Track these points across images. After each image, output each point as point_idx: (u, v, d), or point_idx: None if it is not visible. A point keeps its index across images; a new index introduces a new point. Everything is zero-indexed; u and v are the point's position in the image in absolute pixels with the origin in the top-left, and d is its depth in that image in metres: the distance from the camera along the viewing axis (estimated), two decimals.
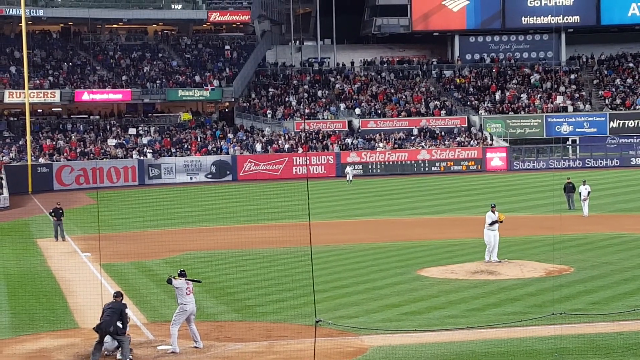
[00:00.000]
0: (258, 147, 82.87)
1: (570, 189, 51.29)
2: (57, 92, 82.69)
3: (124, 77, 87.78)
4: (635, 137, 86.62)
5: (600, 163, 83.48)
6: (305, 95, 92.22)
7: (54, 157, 77.89)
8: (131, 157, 79.01)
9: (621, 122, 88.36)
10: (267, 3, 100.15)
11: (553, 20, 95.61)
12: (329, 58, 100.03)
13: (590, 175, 64.00)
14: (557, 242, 35.17)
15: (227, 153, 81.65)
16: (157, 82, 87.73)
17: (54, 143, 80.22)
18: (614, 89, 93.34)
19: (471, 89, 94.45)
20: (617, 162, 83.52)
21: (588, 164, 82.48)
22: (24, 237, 46.05)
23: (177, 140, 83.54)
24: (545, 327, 22.69)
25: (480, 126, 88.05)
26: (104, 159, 78.38)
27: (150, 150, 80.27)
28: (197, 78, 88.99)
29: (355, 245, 40.03)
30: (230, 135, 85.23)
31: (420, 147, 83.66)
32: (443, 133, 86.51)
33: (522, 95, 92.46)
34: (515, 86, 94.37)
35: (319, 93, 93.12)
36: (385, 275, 32.06)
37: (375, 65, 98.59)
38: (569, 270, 31.77)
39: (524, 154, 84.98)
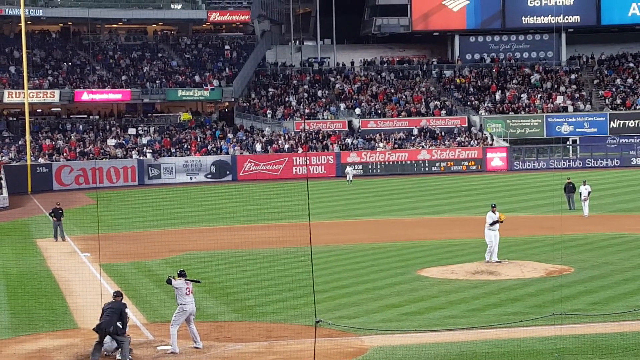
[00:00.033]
0: (258, 147, 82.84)
1: (570, 189, 51.25)
2: (57, 92, 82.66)
3: (123, 77, 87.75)
4: (635, 137, 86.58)
5: (601, 163, 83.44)
6: (305, 95, 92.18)
7: (54, 157, 77.86)
8: (131, 157, 78.98)
9: (621, 122, 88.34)
10: (267, 3, 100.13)
11: (553, 20, 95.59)
12: (329, 58, 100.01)
13: (591, 176, 63.97)
14: (557, 242, 35.12)
15: (227, 153, 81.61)
16: (157, 82, 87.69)
17: (54, 143, 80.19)
18: (614, 89, 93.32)
19: (471, 89, 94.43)
20: (617, 162, 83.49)
21: (588, 164, 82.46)
22: (24, 237, 46.00)
23: (176, 140, 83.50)
24: (546, 327, 22.66)
25: (481, 126, 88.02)
26: (104, 159, 78.33)
27: (150, 150, 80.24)
28: (197, 78, 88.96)
29: (355, 245, 39.98)
30: (230, 135, 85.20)
31: (421, 147, 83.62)
32: (443, 133, 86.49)
33: (522, 95, 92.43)
34: (515, 86, 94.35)
35: (319, 93, 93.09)
36: (385, 275, 32.02)
37: (375, 65, 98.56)
38: (570, 271, 31.73)
39: (524, 154, 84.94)
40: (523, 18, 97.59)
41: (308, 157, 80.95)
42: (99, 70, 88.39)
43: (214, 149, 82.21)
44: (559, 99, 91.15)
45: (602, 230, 42.44)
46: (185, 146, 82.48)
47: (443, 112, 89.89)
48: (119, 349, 21.60)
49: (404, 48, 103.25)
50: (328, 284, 30.02)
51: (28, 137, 74.79)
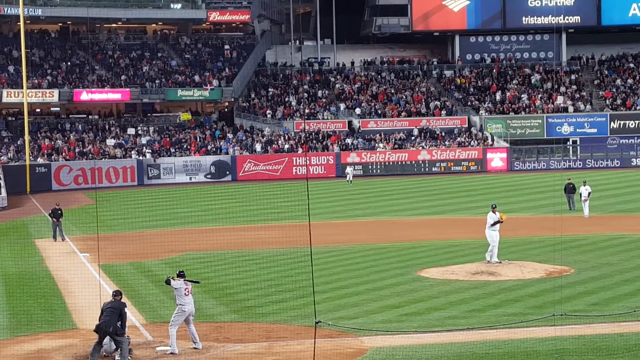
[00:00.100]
0: (258, 147, 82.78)
1: (570, 189, 51.20)
2: (56, 91, 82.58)
3: (122, 77, 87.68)
4: (635, 138, 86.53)
5: (601, 164, 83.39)
6: (305, 95, 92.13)
7: (53, 157, 77.79)
8: (130, 157, 78.90)
9: (622, 122, 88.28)
10: (267, 3, 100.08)
11: (554, 20, 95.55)
12: (329, 58, 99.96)
13: (591, 176, 63.95)
14: (557, 242, 35.07)
15: (227, 153, 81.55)
16: (157, 81, 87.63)
17: (53, 143, 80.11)
18: (614, 90, 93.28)
19: (472, 89, 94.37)
20: (617, 163, 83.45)
21: (588, 165, 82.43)
22: (22, 238, 45.94)
23: (176, 140, 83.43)
24: (546, 328, 22.64)
25: (481, 126, 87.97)
26: (103, 159, 78.26)
27: (150, 150, 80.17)
28: (197, 78, 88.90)
29: (355, 245, 39.94)
30: (229, 135, 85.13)
31: (421, 148, 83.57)
32: (443, 133, 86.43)
33: (522, 95, 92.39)
34: (515, 86, 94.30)
35: (319, 93, 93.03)
36: (385, 276, 31.98)
37: (375, 65, 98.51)
38: (570, 271, 31.69)
39: (524, 155, 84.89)
40: (523, 18, 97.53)
41: (308, 158, 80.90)
42: (98, 70, 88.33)
43: (214, 149, 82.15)
44: (560, 100, 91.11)
45: (602, 231, 42.40)
46: (185, 146, 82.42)
47: (443, 112, 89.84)
48: (118, 350, 21.53)
49: (404, 48, 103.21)
50: (328, 285, 29.98)
51: (27, 137, 74.71)
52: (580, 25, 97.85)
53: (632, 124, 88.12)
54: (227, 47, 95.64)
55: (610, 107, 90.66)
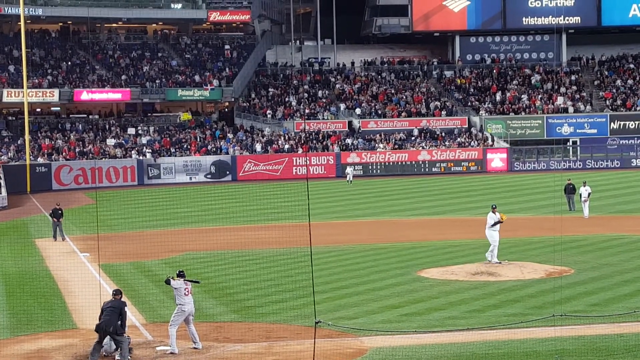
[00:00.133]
0: (258, 147, 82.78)
1: (570, 190, 51.19)
2: (56, 91, 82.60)
3: (123, 77, 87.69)
4: (635, 139, 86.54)
5: (601, 164, 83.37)
6: (305, 95, 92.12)
7: (53, 156, 77.79)
8: (130, 157, 78.91)
9: (622, 123, 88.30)
10: (267, 3, 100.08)
11: (554, 21, 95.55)
12: (329, 58, 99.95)
13: (591, 177, 63.95)
14: (557, 243, 35.08)
15: (227, 153, 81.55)
16: (157, 81, 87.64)
17: (53, 142, 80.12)
18: (614, 90, 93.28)
19: (472, 90, 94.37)
20: (617, 164, 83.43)
21: (588, 165, 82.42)
22: (23, 237, 45.93)
23: (176, 140, 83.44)
24: (546, 328, 22.63)
25: (481, 127, 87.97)
26: (103, 159, 78.27)
27: (150, 150, 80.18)
28: (197, 78, 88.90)
29: (355, 246, 39.94)
30: (230, 135, 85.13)
31: (421, 148, 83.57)
32: (443, 134, 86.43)
33: (522, 96, 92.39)
34: (515, 87, 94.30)
35: (319, 93, 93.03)
36: (385, 276, 31.97)
37: (375, 65, 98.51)
38: (569, 272, 31.69)
39: (524, 155, 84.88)
40: (524, 19, 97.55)
41: (308, 158, 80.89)
42: (99, 69, 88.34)
43: (214, 149, 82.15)
44: (560, 100, 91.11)
45: (602, 232, 42.39)
46: (185, 146, 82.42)
47: (443, 112, 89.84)
48: (118, 349, 21.53)
49: (404, 48, 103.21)
50: (328, 285, 29.98)
51: (27, 137, 74.71)
52: (580, 26, 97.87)
53: (632, 125, 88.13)
54: (227, 47, 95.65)
55: (610, 107, 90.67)
